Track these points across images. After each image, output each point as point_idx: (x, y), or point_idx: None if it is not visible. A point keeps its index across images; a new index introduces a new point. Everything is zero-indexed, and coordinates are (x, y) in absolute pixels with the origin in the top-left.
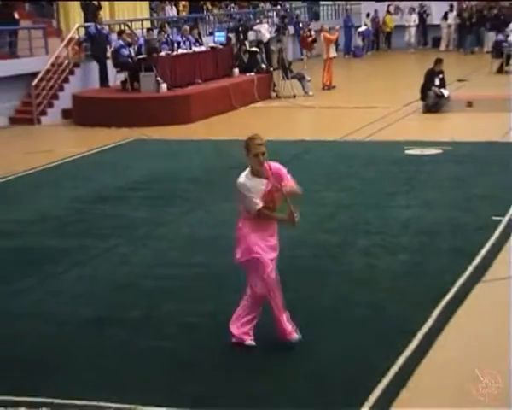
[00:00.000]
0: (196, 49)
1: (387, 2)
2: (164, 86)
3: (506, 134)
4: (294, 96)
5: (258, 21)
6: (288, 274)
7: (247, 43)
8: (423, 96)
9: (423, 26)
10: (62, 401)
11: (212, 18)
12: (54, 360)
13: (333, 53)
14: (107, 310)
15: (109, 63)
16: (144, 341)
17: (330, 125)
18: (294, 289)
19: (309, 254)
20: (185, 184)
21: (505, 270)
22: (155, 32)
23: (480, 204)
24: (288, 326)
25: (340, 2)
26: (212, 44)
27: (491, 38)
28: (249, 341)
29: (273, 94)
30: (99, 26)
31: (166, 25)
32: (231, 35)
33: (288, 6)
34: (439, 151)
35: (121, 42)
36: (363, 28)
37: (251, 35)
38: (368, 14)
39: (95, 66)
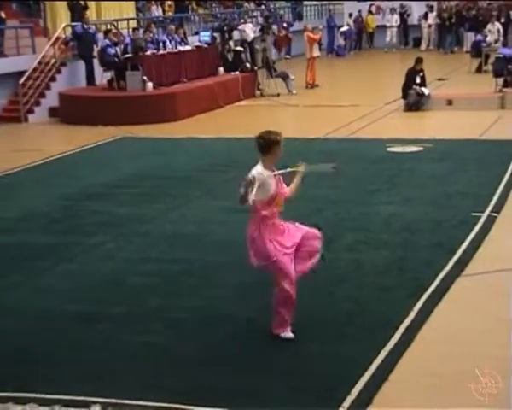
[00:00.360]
0: (182, 48)
1: (369, 2)
2: (150, 85)
3: (485, 132)
4: (278, 95)
5: (242, 21)
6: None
7: (231, 43)
8: (405, 95)
9: (404, 27)
10: (49, 397)
11: (197, 18)
12: (40, 356)
13: (316, 52)
14: (93, 306)
15: (96, 62)
16: (129, 336)
17: (314, 123)
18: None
19: None
20: (171, 181)
21: (485, 264)
22: (141, 31)
23: (460, 200)
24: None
25: (323, 2)
26: (198, 44)
27: (470, 38)
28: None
29: (258, 92)
30: (85, 26)
31: (152, 24)
32: (216, 34)
33: (271, 6)
34: (420, 149)
35: (107, 41)
36: (345, 28)
37: (235, 34)
38: (350, 15)
39: (81, 65)
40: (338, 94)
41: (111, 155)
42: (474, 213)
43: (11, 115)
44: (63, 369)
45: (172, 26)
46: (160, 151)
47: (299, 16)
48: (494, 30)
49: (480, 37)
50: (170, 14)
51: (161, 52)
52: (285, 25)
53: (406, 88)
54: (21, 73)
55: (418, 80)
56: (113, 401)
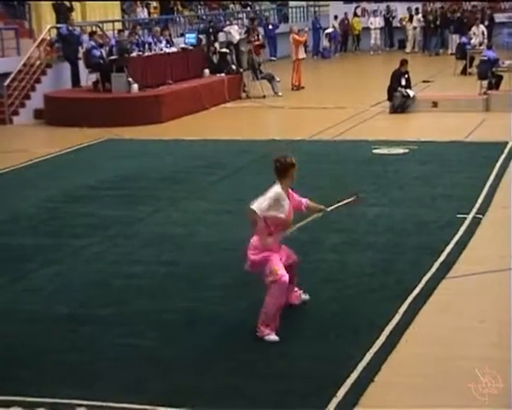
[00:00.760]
0: (167, 50)
1: (355, 5)
2: (135, 87)
3: (470, 134)
4: (264, 97)
5: (228, 23)
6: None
7: (217, 45)
8: (390, 97)
9: (389, 29)
10: (33, 399)
11: (182, 19)
12: (25, 358)
13: (302, 54)
14: (80, 308)
15: (81, 64)
16: (115, 338)
17: (299, 125)
18: (263, 286)
19: None
20: (156, 183)
21: (470, 266)
22: (127, 33)
23: (445, 202)
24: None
25: (310, 3)
26: (183, 46)
27: (454, 40)
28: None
29: (243, 94)
30: (71, 28)
31: (138, 26)
32: (202, 36)
33: (257, 8)
34: (406, 150)
35: (93, 43)
36: (329, 30)
37: (221, 36)
38: (336, 17)
39: (66, 66)
40: (323, 96)
41: (96, 157)
42: (459, 215)
43: None
44: (48, 371)
45: (158, 28)
46: (145, 153)
47: (284, 18)
48: (479, 32)
49: (464, 39)
50: (155, 15)
51: (147, 54)
52: (259, 33)
53: (391, 90)
54: (6, 75)
55: (403, 82)
56: (98, 403)
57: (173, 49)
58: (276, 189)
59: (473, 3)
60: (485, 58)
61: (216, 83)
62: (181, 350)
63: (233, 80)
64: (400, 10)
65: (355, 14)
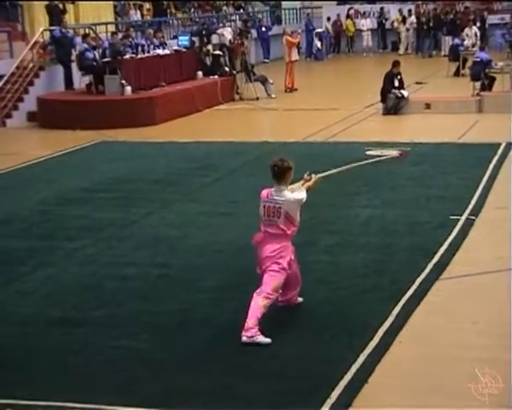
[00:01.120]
0: (160, 52)
1: (348, 6)
2: (128, 89)
3: (463, 135)
4: (257, 99)
5: (221, 25)
6: (250, 273)
7: (210, 47)
8: (383, 99)
9: (382, 31)
10: (26, 402)
11: (175, 22)
12: (19, 361)
13: (295, 56)
14: (73, 310)
15: (74, 66)
16: (108, 340)
17: (292, 127)
18: (257, 287)
19: None
20: (150, 185)
21: (463, 268)
22: (120, 35)
23: (439, 203)
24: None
25: (304, 3)
26: (176, 48)
27: (447, 42)
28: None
29: (236, 96)
30: (64, 30)
31: (131, 28)
32: (195, 38)
33: (250, 10)
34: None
35: (86, 45)
36: (319, 30)
37: (214, 38)
38: (328, 18)
39: (60, 69)
40: (317, 97)
41: (90, 160)
42: (452, 217)
43: None
44: (41, 374)
45: (151, 30)
46: (139, 155)
47: (277, 20)
48: (471, 34)
49: (457, 41)
50: (148, 17)
51: (140, 56)
52: (238, 34)
53: (385, 92)
54: None
55: (396, 83)
56: (91, 406)
57: (166, 52)
58: (302, 196)
59: (465, 5)
60: (478, 59)
61: (209, 85)
62: (174, 352)
63: (226, 82)
64: (393, 12)
65: (348, 16)
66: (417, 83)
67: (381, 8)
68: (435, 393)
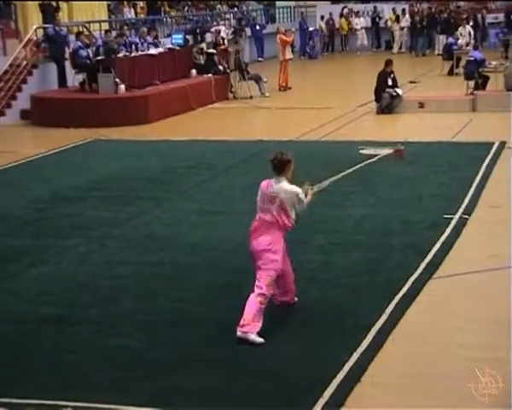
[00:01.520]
0: (154, 50)
1: (342, 5)
2: (122, 87)
3: (456, 134)
4: (251, 97)
5: (215, 23)
6: (244, 271)
7: (204, 45)
8: (377, 98)
9: (376, 29)
10: (19, 401)
11: (169, 20)
12: (11, 359)
13: (289, 55)
14: (66, 309)
15: (68, 64)
16: (101, 339)
17: (286, 126)
18: (251, 286)
19: None
20: (143, 183)
21: (456, 267)
22: (114, 33)
23: (432, 202)
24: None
25: (299, 3)
26: (170, 46)
27: (441, 40)
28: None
29: (230, 95)
30: (57, 28)
31: (125, 27)
32: (189, 37)
33: (244, 8)
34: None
35: (79, 43)
36: (311, 28)
37: (208, 37)
38: (322, 17)
39: (53, 67)
40: (311, 96)
41: (83, 158)
42: (445, 216)
43: None
44: (35, 372)
45: (145, 29)
46: (132, 154)
47: (271, 18)
48: (465, 33)
49: (451, 40)
50: (142, 16)
51: (134, 54)
52: (223, 36)
53: (379, 91)
54: None
55: (390, 82)
56: (85, 404)
57: (160, 50)
58: (298, 189)
59: (457, 4)
60: (472, 59)
61: (203, 83)
62: (167, 350)
63: (220, 81)
64: (387, 11)
65: (342, 15)
66: (411, 82)
67: (375, 7)
68: (429, 392)
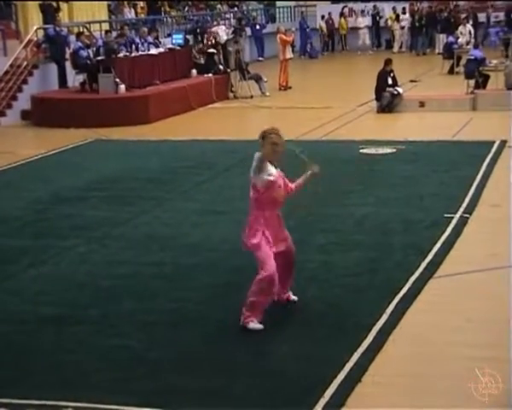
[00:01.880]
0: (154, 50)
1: (342, 5)
2: (122, 87)
3: (457, 133)
4: (251, 97)
5: (215, 23)
6: (245, 270)
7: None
8: (378, 97)
9: (376, 29)
10: (19, 401)
11: (170, 20)
12: (11, 359)
13: (289, 54)
14: (66, 309)
15: (68, 65)
16: (102, 339)
17: (287, 125)
18: (250, 286)
19: None
20: (143, 183)
21: (457, 266)
22: (114, 33)
23: (432, 202)
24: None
25: (299, 2)
26: (170, 46)
27: (442, 39)
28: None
29: (231, 95)
30: (58, 28)
31: (125, 27)
32: (189, 37)
33: (244, 8)
34: (393, 150)
35: (80, 44)
36: (308, 29)
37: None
38: (322, 17)
39: (53, 67)
40: (311, 96)
41: (84, 158)
42: (446, 215)
43: None
44: (35, 373)
45: (145, 29)
46: (132, 154)
47: (271, 18)
48: (466, 32)
49: (451, 38)
50: (142, 16)
51: (134, 54)
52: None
53: (379, 90)
54: None
55: (390, 81)
56: (85, 404)
57: (160, 50)
58: (256, 154)
59: (455, 3)
60: (472, 57)
61: (203, 83)
62: (167, 351)
63: (220, 81)
64: (387, 10)
65: (342, 15)
66: (411, 81)
67: (374, 6)
68: (429, 392)
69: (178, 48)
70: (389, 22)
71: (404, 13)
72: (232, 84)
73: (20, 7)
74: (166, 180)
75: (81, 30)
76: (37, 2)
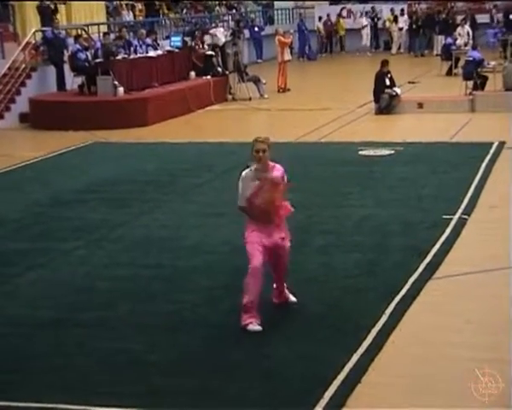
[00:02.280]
0: (153, 53)
1: (340, 6)
2: (121, 90)
3: (455, 134)
4: (250, 99)
5: (213, 25)
6: (243, 272)
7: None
8: (376, 99)
9: (375, 30)
10: (19, 404)
11: (168, 22)
12: (10, 362)
13: (287, 56)
14: (65, 312)
15: (66, 67)
16: (101, 342)
17: (285, 127)
18: None
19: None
20: (142, 186)
21: (456, 267)
22: (112, 36)
23: (431, 203)
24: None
25: (298, 3)
26: (169, 48)
27: (440, 41)
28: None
29: (229, 97)
30: (56, 31)
31: (124, 29)
32: (187, 39)
33: (243, 10)
34: (392, 152)
35: (78, 46)
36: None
37: (207, 39)
38: (320, 18)
39: (52, 70)
40: (309, 98)
41: (82, 161)
42: (445, 216)
43: None
44: (33, 376)
45: (143, 31)
46: (131, 156)
47: (270, 20)
48: (464, 33)
49: (450, 40)
50: (140, 18)
51: (132, 57)
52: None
53: (378, 92)
54: None
55: (388, 82)
56: (84, 407)
57: (159, 52)
58: (242, 173)
59: (452, 4)
60: (471, 59)
61: (202, 85)
62: (166, 353)
63: (219, 83)
64: (386, 12)
65: (340, 16)
66: (410, 82)
67: (372, 8)
68: (429, 393)
69: (177, 50)
70: (387, 24)
71: (402, 14)
72: (231, 86)
73: (17, 9)
74: (165, 182)
75: (79, 32)
76: (35, 3)
